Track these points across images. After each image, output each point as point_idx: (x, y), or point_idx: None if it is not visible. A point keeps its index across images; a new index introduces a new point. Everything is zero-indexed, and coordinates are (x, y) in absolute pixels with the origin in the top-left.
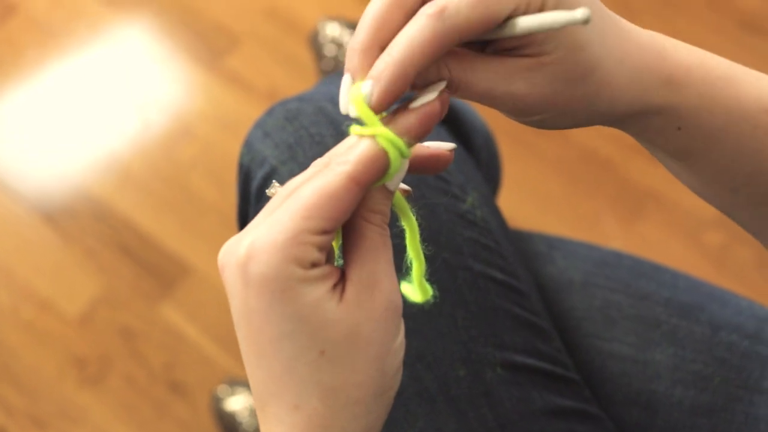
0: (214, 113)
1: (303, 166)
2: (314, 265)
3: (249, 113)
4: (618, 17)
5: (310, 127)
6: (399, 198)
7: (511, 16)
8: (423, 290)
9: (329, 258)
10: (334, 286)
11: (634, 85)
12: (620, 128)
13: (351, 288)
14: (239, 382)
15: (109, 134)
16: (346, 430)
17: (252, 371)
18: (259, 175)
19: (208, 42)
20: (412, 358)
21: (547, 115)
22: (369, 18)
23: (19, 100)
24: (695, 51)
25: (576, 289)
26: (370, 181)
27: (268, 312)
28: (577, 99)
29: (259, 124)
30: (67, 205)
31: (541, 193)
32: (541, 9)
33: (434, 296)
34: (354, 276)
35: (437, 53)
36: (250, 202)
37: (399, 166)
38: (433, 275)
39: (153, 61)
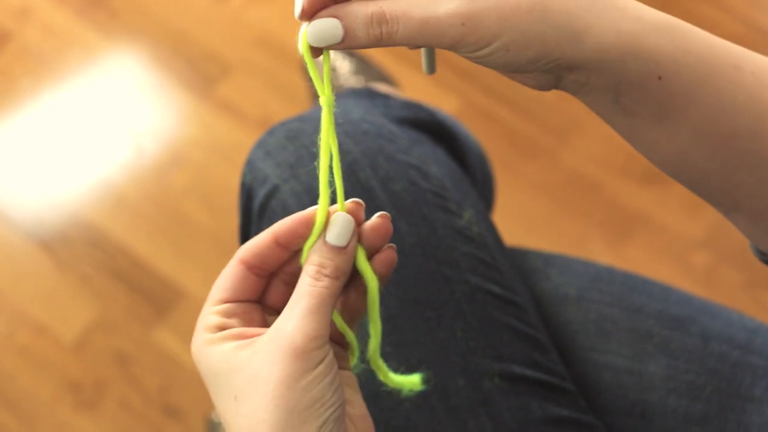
0: (206, 140)
1: (304, 185)
2: (221, 328)
3: (241, 140)
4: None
5: (311, 146)
6: (360, 259)
7: None
8: (378, 367)
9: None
10: (252, 336)
11: (609, 23)
12: (598, 80)
13: (265, 335)
14: None
15: (103, 162)
16: None
17: None
18: (261, 194)
19: (200, 70)
20: (413, 368)
21: (506, 38)
22: None
23: (13, 129)
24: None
25: (571, 303)
26: (252, 258)
27: (203, 373)
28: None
29: (261, 144)
30: (62, 232)
31: (530, 216)
32: None
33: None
34: (274, 322)
35: None
36: (252, 220)
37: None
38: (432, 290)
39: (146, 89)
